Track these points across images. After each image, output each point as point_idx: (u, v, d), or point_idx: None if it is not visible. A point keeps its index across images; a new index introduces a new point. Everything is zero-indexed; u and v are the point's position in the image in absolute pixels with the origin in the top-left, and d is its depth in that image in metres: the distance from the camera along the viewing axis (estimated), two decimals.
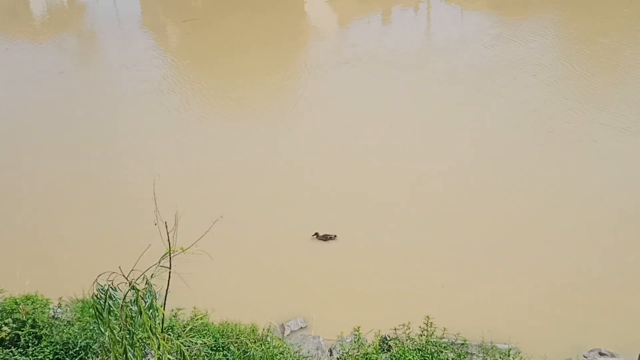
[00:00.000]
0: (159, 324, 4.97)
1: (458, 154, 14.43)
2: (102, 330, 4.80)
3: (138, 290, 4.69)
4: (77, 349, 8.07)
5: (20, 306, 8.33)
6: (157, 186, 12.90)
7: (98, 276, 4.83)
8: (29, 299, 8.91)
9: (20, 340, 8.13)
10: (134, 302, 4.72)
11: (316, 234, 11.90)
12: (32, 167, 15.26)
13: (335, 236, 11.89)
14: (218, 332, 8.45)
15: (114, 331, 4.82)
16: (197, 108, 18.00)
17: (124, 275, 4.78)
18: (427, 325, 7.95)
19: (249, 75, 20.26)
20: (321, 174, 14.06)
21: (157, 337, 4.71)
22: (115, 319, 4.77)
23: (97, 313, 4.73)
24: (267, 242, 11.97)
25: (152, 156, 15.29)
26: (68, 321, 8.66)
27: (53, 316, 9.00)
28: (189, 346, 5.70)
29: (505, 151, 14.42)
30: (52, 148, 16.23)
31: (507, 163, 13.97)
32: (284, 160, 14.75)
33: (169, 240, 4.92)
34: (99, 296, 4.74)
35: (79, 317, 8.86)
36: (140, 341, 4.94)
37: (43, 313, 8.78)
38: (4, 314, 8.41)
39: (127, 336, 4.77)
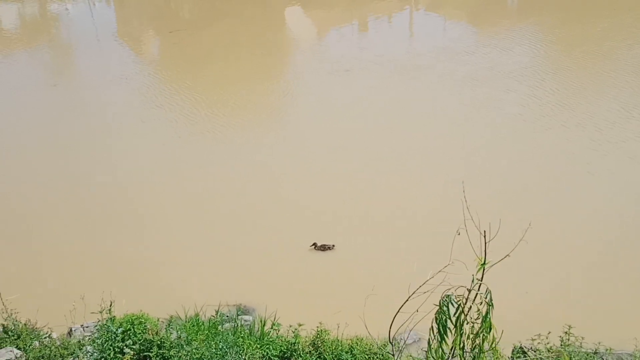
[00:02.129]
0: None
1: (457, 162, 14.58)
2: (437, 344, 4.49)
3: (490, 305, 4.44)
4: None
5: (149, 326, 7.84)
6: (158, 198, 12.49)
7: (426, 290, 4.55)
8: (137, 319, 8.39)
9: None
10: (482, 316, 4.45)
11: (314, 244, 11.88)
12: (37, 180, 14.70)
13: (333, 246, 11.88)
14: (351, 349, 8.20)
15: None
16: (191, 118, 17.79)
17: (468, 289, 4.51)
18: (567, 335, 7.95)
19: (245, 84, 20.25)
20: (317, 184, 14.10)
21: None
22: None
23: (440, 327, 4.45)
24: (266, 252, 11.95)
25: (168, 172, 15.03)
26: (188, 340, 8.19)
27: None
28: None
29: (508, 160, 14.64)
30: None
31: (510, 172, 14.20)
32: (279, 170, 14.77)
33: (485, 251, 4.65)
34: (443, 308, 4.45)
35: (194, 336, 8.41)
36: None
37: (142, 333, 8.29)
38: (124, 335, 7.88)
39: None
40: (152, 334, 7.79)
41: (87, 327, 9.08)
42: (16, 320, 8.23)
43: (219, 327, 9.10)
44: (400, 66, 20.91)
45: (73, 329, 9.15)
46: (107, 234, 12.52)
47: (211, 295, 10.49)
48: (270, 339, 8.45)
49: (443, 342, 4.48)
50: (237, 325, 8.88)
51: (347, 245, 12.08)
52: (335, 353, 8.19)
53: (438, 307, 4.53)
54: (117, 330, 7.84)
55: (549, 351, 7.92)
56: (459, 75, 19.44)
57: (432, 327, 4.56)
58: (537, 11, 26.54)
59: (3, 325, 8.22)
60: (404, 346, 9.16)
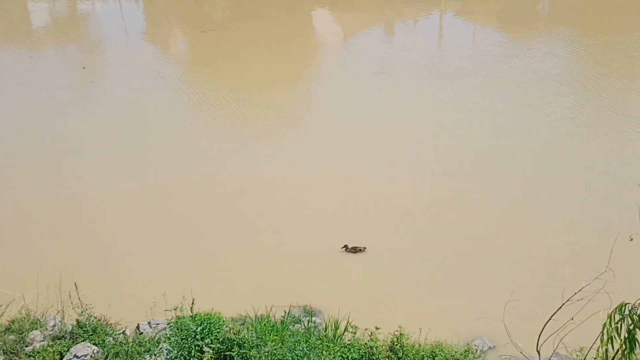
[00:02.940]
0: None
1: (482, 165, 14.46)
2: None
3: None
4: None
5: (230, 325, 7.64)
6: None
7: None
8: (211, 317, 8.17)
9: None
10: None
11: (345, 246, 11.76)
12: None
13: (364, 248, 11.76)
14: (431, 354, 7.97)
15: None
16: (222, 117, 17.75)
17: None
18: None
19: (279, 83, 20.33)
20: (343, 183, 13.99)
21: None
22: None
23: (630, 338, 4.15)
24: (299, 254, 11.81)
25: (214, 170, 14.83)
26: (264, 341, 7.97)
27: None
28: None
29: (534, 162, 14.44)
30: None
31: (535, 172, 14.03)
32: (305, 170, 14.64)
33: None
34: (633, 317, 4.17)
35: (267, 337, 8.19)
36: None
37: (219, 331, 8.08)
38: (204, 333, 7.67)
39: None
40: (234, 333, 7.57)
41: (156, 324, 8.89)
42: (90, 316, 8.03)
43: (290, 328, 8.91)
44: (436, 69, 20.74)
45: (141, 326, 8.96)
46: (170, 234, 12.36)
47: (271, 297, 10.26)
48: (349, 342, 8.24)
49: (632, 354, 4.19)
50: (311, 327, 8.66)
51: (396, 248, 11.93)
52: (417, 358, 7.95)
53: (615, 317, 4.23)
54: (197, 328, 7.64)
55: None
56: (501, 80, 19.20)
57: (610, 337, 4.26)
58: (569, 18, 26.30)
59: (77, 320, 8.03)
60: (480, 355, 8.93)
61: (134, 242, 12.02)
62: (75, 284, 8.11)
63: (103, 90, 20.70)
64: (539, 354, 5.52)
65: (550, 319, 5.23)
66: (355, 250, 11.74)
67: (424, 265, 11.54)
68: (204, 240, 12.17)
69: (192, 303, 7.90)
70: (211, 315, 8.21)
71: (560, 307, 4.94)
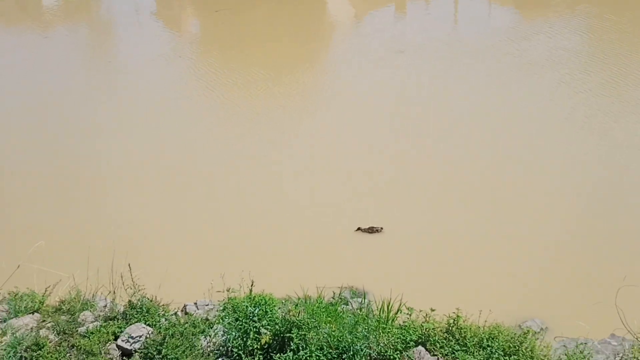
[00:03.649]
0: None
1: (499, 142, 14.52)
2: None
3: None
4: (351, 353, 7.27)
5: (290, 307, 7.48)
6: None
7: None
8: (264, 298, 8.00)
9: (290, 345, 7.27)
10: None
11: (359, 228, 11.53)
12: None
13: (381, 228, 11.50)
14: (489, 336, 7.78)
15: None
16: (234, 101, 17.70)
17: None
18: None
19: (296, 65, 20.25)
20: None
21: None
22: None
23: None
24: (313, 236, 11.70)
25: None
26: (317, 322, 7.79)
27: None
28: None
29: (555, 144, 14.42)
30: None
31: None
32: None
33: None
34: None
35: (321, 318, 8.01)
36: None
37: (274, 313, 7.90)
38: (260, 314, 7.50)
39: None
40: (293, 315, 7.41)
41: (204, 305, 8.76)
42: (143, 297, 7.88)
43: (340, 309, 8.74)
44: (457, 48, 20.43)
45: (187, 307, 8.82)
46: (218, 218, 12.36)
47: (309, 279, 10.10)
48: (404, 323, 8.07)
49: None
50: (364, 308, 8.51)
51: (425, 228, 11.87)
52: (476, 340, 7.76)
53: None
54: (254, 310, 7.48)
55: None
56: (529, 57, 18.89)
57: None
58: None
59: (130, 300, 7.88)
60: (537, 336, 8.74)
61: (179, 225, 12.00)
62: (129, 265, 7.97)
63: (121, 69, 20.51)
64: None
65: None
66: (372, 230, 11.49)
67: (450, 244, 11.48)
68: (239, 225, 12.14)
69: (252, 285, 7.73)
70: (265, 296, 8.06)
71: None
